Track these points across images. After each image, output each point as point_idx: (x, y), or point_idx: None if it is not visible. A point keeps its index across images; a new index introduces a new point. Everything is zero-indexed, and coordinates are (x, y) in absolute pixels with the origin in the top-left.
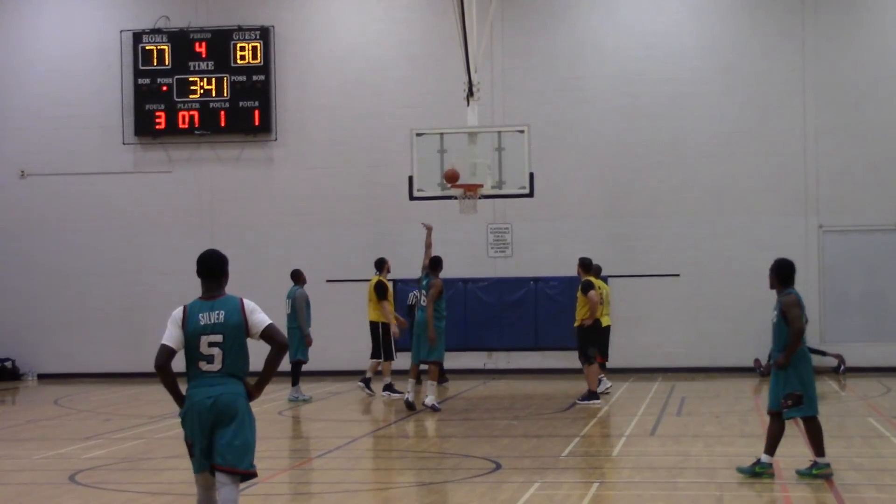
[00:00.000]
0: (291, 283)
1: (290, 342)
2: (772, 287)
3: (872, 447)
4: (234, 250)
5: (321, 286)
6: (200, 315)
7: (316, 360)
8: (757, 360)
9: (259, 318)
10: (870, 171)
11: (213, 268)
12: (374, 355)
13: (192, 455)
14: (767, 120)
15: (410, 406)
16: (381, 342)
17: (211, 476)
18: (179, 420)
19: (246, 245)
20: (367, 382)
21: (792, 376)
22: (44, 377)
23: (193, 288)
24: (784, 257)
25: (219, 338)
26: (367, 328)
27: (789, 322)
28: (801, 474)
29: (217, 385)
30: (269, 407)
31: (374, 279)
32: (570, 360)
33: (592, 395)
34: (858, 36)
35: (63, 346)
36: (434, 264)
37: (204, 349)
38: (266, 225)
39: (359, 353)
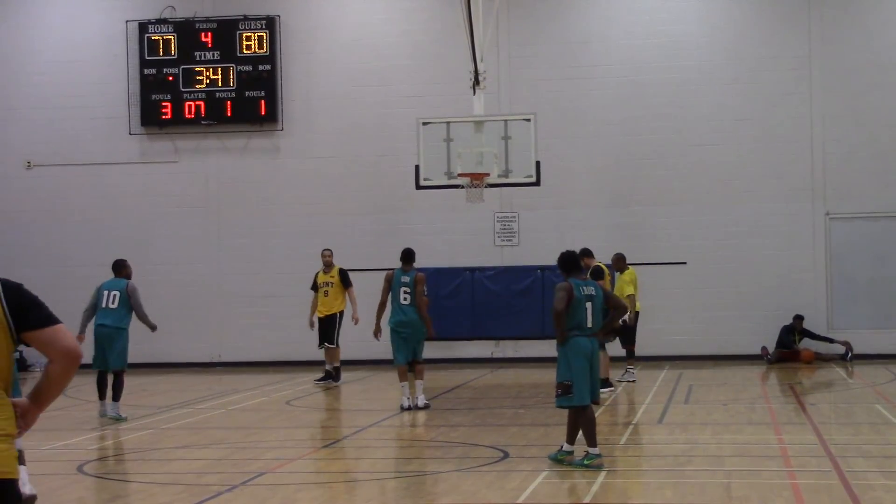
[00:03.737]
0: (112, 275)
1: (116, 347)
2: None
3: (880, 434)
4: (241, 240)
5: None
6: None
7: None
8: (764, 348)
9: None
10: (877, 157)
11: None
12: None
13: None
14: (774, 107)
15: (409, 409)
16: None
17: None
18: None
19: (252, 234)
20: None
21: (563, 366)
22: None
23: (200, 276)
24: (566, 250)
25: None
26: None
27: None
28: (575, 465)
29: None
30: (278, 397)
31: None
32: None
33: (605, 383)
34: (865, 22)
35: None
36: (410, 257)
37: None
38: (272, 214)
39: (366, 341)
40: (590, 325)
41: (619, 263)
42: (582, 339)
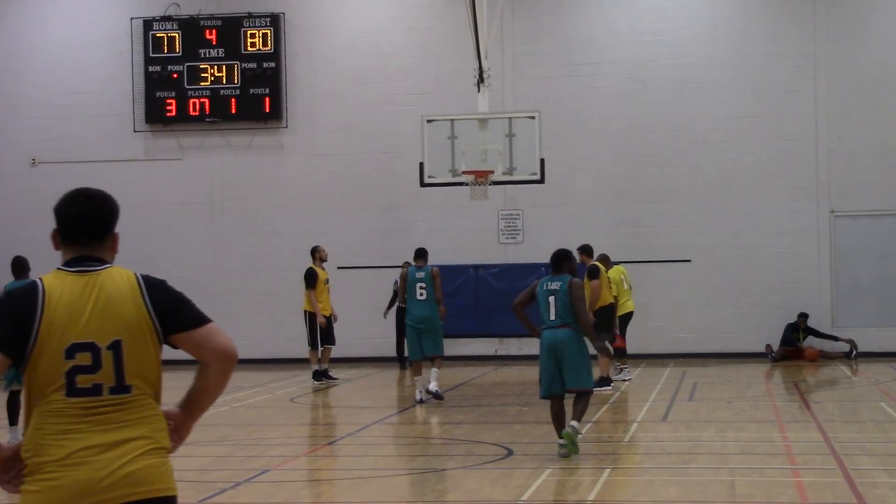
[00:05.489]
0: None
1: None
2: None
3: (884, 432)
4: (245, 237)
5: (333, 273)
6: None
7: None
8: (768, 346)
9: None
10: (881, 155)
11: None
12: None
13: None
14: (778, 105)
15: (422, 402)
16: (309, 331)
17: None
18: None
19: (257, 232)
20: (320, 374)
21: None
22: None
23: (205, 274)
24: (559, 248)
25: None
26: (378, 315)
27: None
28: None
29: None
30: (281, 395)
31: (307, 267)
32: None
33: (604, 380)
34: (870, 20)
35: None
36: (422, 254)
37: None
38: (277, 212)
39: (370, 339)
40: (552, 317)
41: (604, 263)
42: (545, 333)
